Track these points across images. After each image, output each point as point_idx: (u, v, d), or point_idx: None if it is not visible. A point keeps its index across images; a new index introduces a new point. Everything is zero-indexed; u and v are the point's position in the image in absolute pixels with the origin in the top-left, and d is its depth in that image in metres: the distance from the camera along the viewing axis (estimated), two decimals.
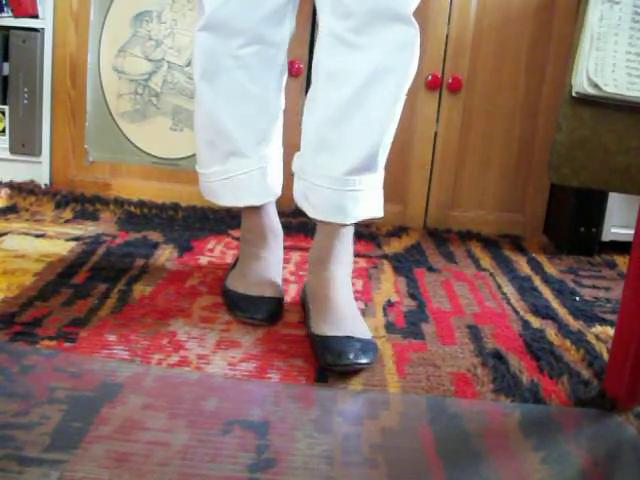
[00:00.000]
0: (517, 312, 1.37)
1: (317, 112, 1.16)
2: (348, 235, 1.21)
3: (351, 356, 1.05)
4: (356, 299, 1.36)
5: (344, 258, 1.21)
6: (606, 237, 1.79)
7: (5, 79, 1.87)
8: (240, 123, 1.23)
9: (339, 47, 1.11)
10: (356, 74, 1.10)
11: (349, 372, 1.06)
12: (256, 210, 1.29)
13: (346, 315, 1.14)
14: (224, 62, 1.19)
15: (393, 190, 1.87)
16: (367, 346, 1.10)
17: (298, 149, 1.23)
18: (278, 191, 1.31)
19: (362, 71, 1.10)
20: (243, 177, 1.26)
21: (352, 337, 1.09)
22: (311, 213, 1.19)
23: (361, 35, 1.08)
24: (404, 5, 1.08)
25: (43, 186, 1.88)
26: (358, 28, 1.08)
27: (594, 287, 1.57)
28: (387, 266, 1.58)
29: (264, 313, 1.21)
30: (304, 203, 1.20)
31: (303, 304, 1.26)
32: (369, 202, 1.19)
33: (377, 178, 1.19)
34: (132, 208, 1.81)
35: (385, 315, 1.31)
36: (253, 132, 1.24)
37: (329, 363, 1.06)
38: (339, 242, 1.19)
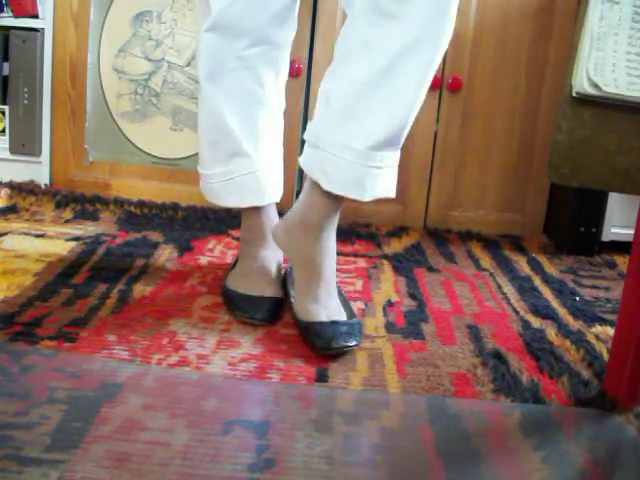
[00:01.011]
0: (517, 312, 1.37)
1: (349, 78, 1.10)
2: (341, 205, 1.17)
3: (340, 340, 1.12)
4: (356, 299, 1.36)
5: (335, 227, 1.19)
6: (606, 237, 1.79)
7: (5, 79, 1.87)
8: (244, 123, 1.23)
9: (378, 18, 1.06)
10: (392, 44, 1.06)
11: (339, 354, 1.12)
12: (256, 210, 1.29)
13: (332, 296, 1.19)
14: (229, 63, 1.19)
15: None
16: (353, 328, 1.15)
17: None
18: (280, 192, 1.31)
19: (398, 41, 1.06)
20: (246, 177, 1.26)
21: (338, 321, 1.15)
22: (326, 185, 1.12)
23: (400, 4, 1.04)
24: None
25: (43, 186, 1.88)
26: None
27: (594, 287, 1.57)
28: (387, 266, 1.58)
29: (264, 313, 1.22)
30: (319, 174, 1.13)
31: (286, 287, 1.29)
32: (386, 181, 1.15)
33: (396, 157, 1.15)
34: (132, 208, 1.81)
35: (385, 315, 1.31)
36: (256, 132, 1.25)
37: (319, 347, 1.12)
38: (338, 212, 1.17)
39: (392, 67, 1.06)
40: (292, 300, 1.25)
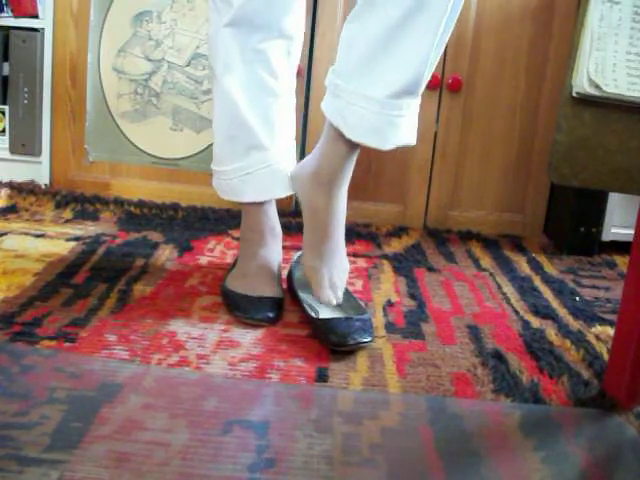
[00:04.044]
0: (517, 312, 1.37)
1: (367, 28, 1.08)
2: (355, 157, 1.16)
3: (356, 335, 1.14)
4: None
5: (348, 180, 1.18)
6: (606, 237, 1.79)
7: (5, 79, 1.87)
8: (260, 115, 1.25)
9: None
10: None
11: (353, 350, 1.14)
12: (257, 208, 1.29)
13: (337, 253, 1.20)
14: (245, 56, 1.22)
15: (393, 190, 1.87)
16: (365, 324, 1.17)
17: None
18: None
19: None
20: (264, 171, 1.27)
21: (351, 318, 1.17)
22: (346, 133, 1.11)
23: None
24: None
25: (43, 186, 1.88)
26: None
27: (594, 287, 1.56)
28: (387, 266, 1.58)
29: (264, 313, 1.22)
30: (339, 121, 1.11)
31: (290, 286, 1.32)
32: (407, 129, 1.14)
33: (417, 104, 1.14)
34: (132, 208, 1.81)
35: (385, 315, 1.31)
36: (272, 124, 1.26)
37: (334, 343, 1.14)
38: (351, 164, 1.16)
39: (411, 15, 1.05)
40: (300, 297, 1.26)
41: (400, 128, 1.11)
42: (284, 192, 1.29)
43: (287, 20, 1.23)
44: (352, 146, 1.13)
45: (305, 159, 1.22)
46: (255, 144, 1.25)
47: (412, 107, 1.12)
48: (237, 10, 1.19)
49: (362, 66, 1.09)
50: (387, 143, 1.11)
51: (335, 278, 1.19)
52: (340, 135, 1.12)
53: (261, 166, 1.26)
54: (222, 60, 1.23)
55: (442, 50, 1.12)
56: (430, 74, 1.12)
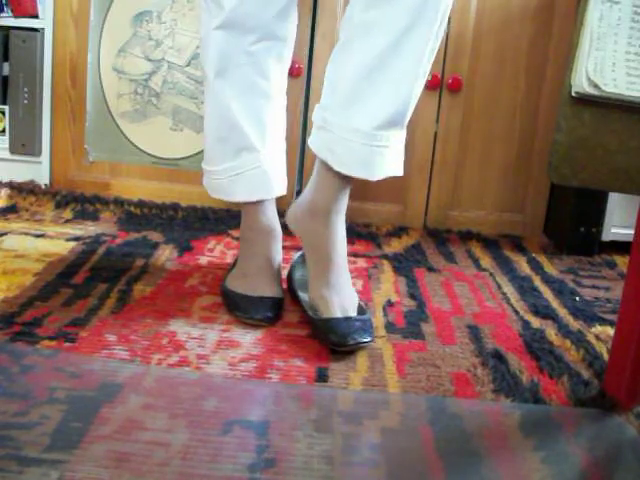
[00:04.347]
0: (517, 312, 1.37)
1: (352, 62, 1.13)
2: (349, 188, 1.20)
3: (356, 335, 1.13)
4: None
5: (344, 210, 1.21)
6: (606, 237, 1.79)
7: (5, 79, 1.87)
8: (251, 117, 1.25)
9: (372, 4, 1.09)
10: (390, 26, 1.09)
11: (353, 350, 1.14)
12: (257, 208, 1.29)
13: (343, 278, 1.20)
14: (237, 59, 1.22)
15: (393, 190, 1.87)
16: (365, 324, 1.16)
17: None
18: (285, 184, 1.32)
19: (395, 23, 1.09)
20: (255, 172, 1.27)
21: (351, 317, 1.16)
22: (336, 166, 1.15)
23: None
24: None
25: (43, 186, 1.88)
26: None
27: (594, 287, 1.56)
28: (387, 266, 1.58)
29: (264, 313, 1.22)
30: (328, 155, 1.15)
31: (290, 287, 1.31)
32: (394, 159, 1.17)
33: (402, 135, 1.18)
34: (132, 208, 1.81)
35: (385, 315, 1.31)
36: (263, 126, 1.26)
37: (335, 343, 1.13)
38: (345, 195, 1.19)
39: (392, 49, 1.09)
40: (299, 297, 1.27)
41: (387, 159, 1.15)
42: (275, 193, 1.29)
43: (279, 22, 1.22)
44: (343, 178, 1.16)
45: (299, 198, 1.24)
46: (245, 145, 1.25)
47: (398, 138, 1.16)
48: (229, 13, 1.18)
49: (348, 99, 1.13)
50: (375, 174, 1.15)
51: (345, 303, 1.19)
52: (330, 169, 1.15)
53: (251, 167, 1.26)
54: (213, 62, 1.22)
55: (424, 81, 1.15)
56: (414, 105, 1.16)
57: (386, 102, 1.12)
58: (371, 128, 1.12)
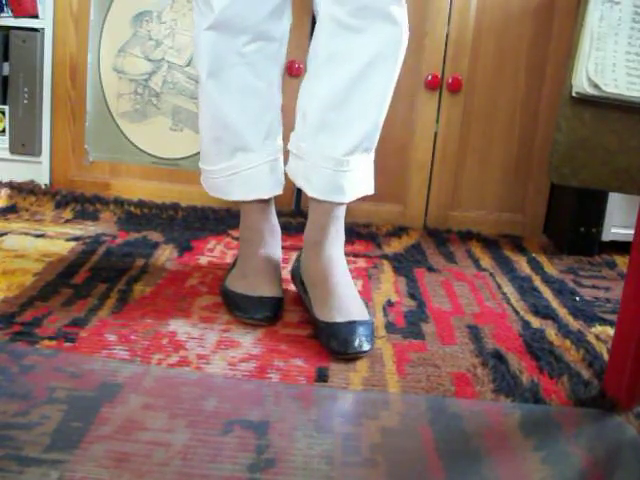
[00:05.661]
0: (517, 312, 1.37)
1: (319, 93, 1.18)
2: (342, 213, 1.24)
3: (356, 344, 1.12)
4: None
5: (339, 237, 1.24)
6: (606, 237, 1.79)
7: (5, 79, 1.87)
8: (246, 118, 1.25)
9: (339, 30, 1.14)
10: (356, 56, 1.14)
11: (353, 359, 1.13)
12: (256, 208, 1.29)
13: (347, 296, 1.20)
14: (230, 59, 1.21)
15: (393, 190, 1.87)
16: (368, 331, 1.16)
17: None
18: (282, 183, 1.32)
19: (361, 53, 1.14)
20: (251, 171, 1.27)
21: (355, 322, 1.15)
22: (310, 192, 1.21)
23: (357, 18, 1.12)
24: (387, 3, 1.12)
25: (43, 186, 1.88)
26: (354, 12, 1.12)
27: (594, 287, 1.56)
28: (387, 266, 1.58)
29: (264, 313, 1.22)
30: (303, 182, 1.22)
31: (296, 283, 1.32)
32: (363, 181, 1.23)
33: (370, 158, 1.24)
34: (132, 208, 1.81)
35: (385, 315, 1.31)
36: (259, 126, 1.26)
37: (335, 350, 1.12)
38: (335, 221, 1.22)
39: (359, 78, 1.15)
40: (304, 295, 1.26)
41: (357, 182, 1.21)
42: (272, 192, 1.30)
43: (272, 22, 1.22)
44: (323, 205, 1.21)
45: None
46: (241, 145, 1.25)
47: (367, 161, 1.23)
48: (218, 14, 1.18)
49: (318, 129, 1.19)
50: (346, 197, 1.21)
51: (360, 317, 1.18)
52: (312, 198, 1.21)
53: (248, 166, 1.27)
54: (205, 63, 1.22)
55: (388, 105, 1.21)
56: (379, 131, 1.22)
57: (355, 129, 1.18)
58: (341, 155, 1.18)
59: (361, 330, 1.14)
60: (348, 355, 1.12)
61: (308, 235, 1.25)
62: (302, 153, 1.21)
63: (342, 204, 1.22)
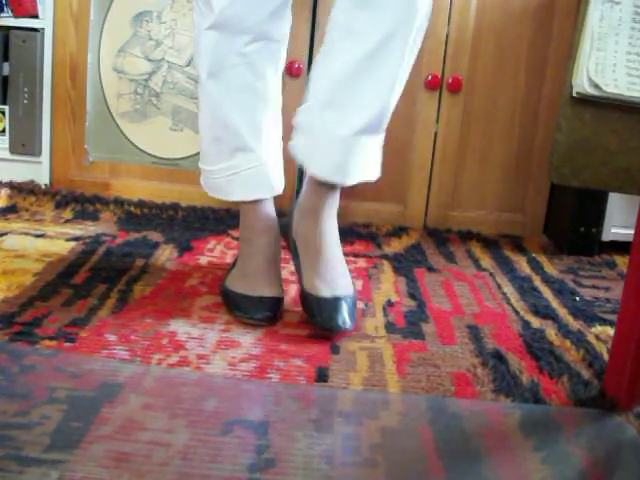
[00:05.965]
0: (517, 312, 1.37)
1: (332, 68, 1.16)
2: (338, 190, 1.23)
3: (340, 322, 1.17)
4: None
5: (334, 204, 1.23)
6: (606, 237, 1.79)
7: (5, 79, 1.87)
8: (246, 118, 1.25)
9: (354, 9, 1.13)
10: (370, 34, 1.12)
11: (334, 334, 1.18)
12: (256, 207, 1.29)
13: (334, 269, 1.22)
14: (230, 59, 1.21)
15: (393, 190, 1.87)
16: (351, 305, 1.20)
17: None
18: (282, 183, 1.32)
19: (376, 30, 1.12)
20: (251, 172, 1.27)
21: (339, 298, 1.19)
22: (312, 170, 1.19)
23: None
24: None
25: (43, 186, 1.88)
26: None
27: (594, 287, 1.56)
28: (387, 266, 1.58)
29: (264, 313, 1.22)
30: (306, 159, 1.19)
31: (287, 240, 1.31)
32: (369, 164, 1.21)
33: (378, 141, 1.21)
34: (132, 208, 1.81)
35: (385, 315, 1.31)
36: (259, 126, 1.26)
37: (319, 325, 1.18)
38: (332, 196, 1.22)
39: (373, 56, 1.12)
40: (294, 257, 1.28)
41: (362, 164, 1.19)
42: (272, 192, 1.30)
43: (273, 22, 1.22)
44: (326, 182, 1.19)
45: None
46: (240, 146, 1.25)
47: (375, 144, 1.20)
48: (218, 15, 1.18)
49: (328, 105, 1.16)
50: (349, 179, 1.18)
51: (337, 292, 1.20)
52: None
53: (247, 167, 1.27)
54: (205, 63, 1.22)
55: (403, 86, 1.18)
56: (392, 110, 1.18)
57: (364, 109, 1.15)
58: (349, 133, 1.15)
59: (344, 306, 1.19)
60: (332, 333, 1.18)
61: (304, 202, 1.23)
62: (307, 129, 1.19)
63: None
